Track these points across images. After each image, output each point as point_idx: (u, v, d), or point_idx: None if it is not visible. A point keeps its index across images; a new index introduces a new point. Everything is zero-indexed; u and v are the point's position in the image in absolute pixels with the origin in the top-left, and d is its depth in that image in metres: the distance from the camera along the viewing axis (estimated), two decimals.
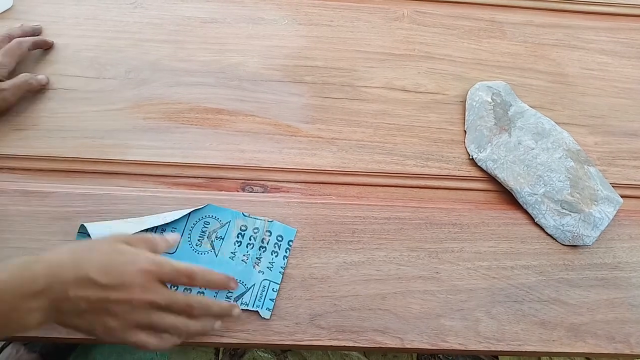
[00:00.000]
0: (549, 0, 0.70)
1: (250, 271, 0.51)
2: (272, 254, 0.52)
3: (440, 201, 0.57)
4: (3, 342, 0.84)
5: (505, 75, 0.64)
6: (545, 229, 0.55)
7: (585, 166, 0.57)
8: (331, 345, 0.49)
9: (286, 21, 0.65)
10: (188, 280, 0.41)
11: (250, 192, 0.55)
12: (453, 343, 0.50)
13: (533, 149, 0.57)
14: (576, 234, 0.54)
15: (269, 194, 0.55)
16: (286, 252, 0.52)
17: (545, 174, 0.56)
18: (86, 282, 0.37)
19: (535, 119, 0.59)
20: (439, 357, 0.99)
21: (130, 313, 0.38)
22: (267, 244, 0.52)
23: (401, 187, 0.57)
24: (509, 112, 0.60)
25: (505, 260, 0.54)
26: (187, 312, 0.41)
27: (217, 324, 0.44)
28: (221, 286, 0.44)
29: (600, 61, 0.66)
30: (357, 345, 0.49)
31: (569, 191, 0.55)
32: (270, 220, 0.53)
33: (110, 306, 0.38)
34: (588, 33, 0.68)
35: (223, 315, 0.44)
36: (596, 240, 0.55)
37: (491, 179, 0.58)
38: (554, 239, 0.55)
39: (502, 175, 0.56)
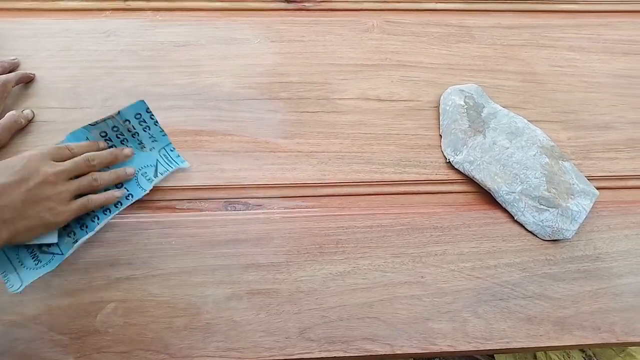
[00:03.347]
0: (515, 1, 0.72)
1: (145, 155, 0.56)
2: (144, 131, 0.55)
3: (420, 206, 0.58)
4: None
5: (476, 78, 0.65)
6: (525, 226, 0.56)
7: (560, 161, 0.58)
8: (322, 357, 0.49)
9: (258, 40, 0.66)
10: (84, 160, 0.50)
11: (233, 210, 0.56)
12: (442, 345, 0.51)
13: (508, 148, 0.58)
14: (556, 229, 0.55)
15: (251, 211, 0.56)
16: (152, 118, 0.55)
17: (521, 172, 0.57)
18: (3, 189, 0.43)
19: (509, 118, 0.61)
20: None
21: (55, 189, 0.46)
22: (134, 128, 0.55)
23: (381, 194, 0.58)
24: (482, 114, 0.61)
25: (488, 260, 0.55)
26: (90, 164, 0.50)
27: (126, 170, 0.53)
28: (118, 157, 0.53)
29: (568, 58, 0.68)
30: (347, 355, 0.50)
31: (546, 187, 0.56)
32: (116, 112, 0.53)
33: (36, 193, 0.45)
34: (555, 31, 0.70)
35: (119, 157, 0.53)
36: (576, 233, 0.56)
37: (469, 180, 0.59)
38: (535, 235, 0.56)
39: (479, 176, 0.57)
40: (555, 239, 0.56)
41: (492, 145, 0.59)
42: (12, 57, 0.62)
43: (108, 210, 0.52)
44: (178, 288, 0.52)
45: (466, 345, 0.51)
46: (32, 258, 0.49)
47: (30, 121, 0.59)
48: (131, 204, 0.54)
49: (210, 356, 0.49)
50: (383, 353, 0.50)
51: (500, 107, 0.62)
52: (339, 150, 0.60)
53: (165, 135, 0.56)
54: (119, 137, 0.55)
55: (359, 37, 0.67)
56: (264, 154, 0.59)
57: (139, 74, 0.62)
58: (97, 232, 0.52)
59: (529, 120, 0.61)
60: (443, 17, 0.70)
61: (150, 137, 0.56)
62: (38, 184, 0.45)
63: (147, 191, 0.55)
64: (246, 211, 0.56)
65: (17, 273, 0.48)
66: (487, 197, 0.58)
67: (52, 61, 0.63)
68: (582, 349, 0.67)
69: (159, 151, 0.56)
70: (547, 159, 0.58)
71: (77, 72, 0.62)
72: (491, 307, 0.52)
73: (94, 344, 0.49)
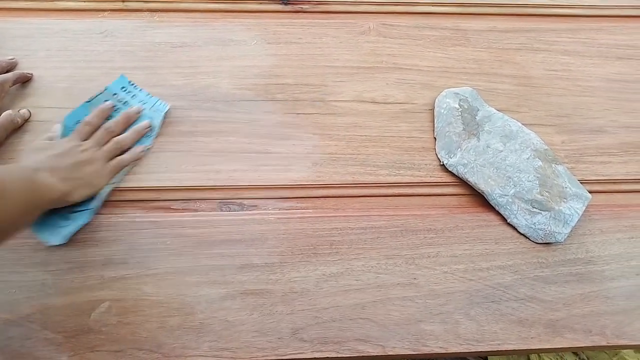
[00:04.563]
0: (510, 5, 0.72)
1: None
2: (133, 98, 0.61)
3: (414, 208, 0.58)
4: None
5: (471, 81, 0.65)
6: (518, 229, 0.57)
7: (553, 165, 0.58)
8: (314, 358, 0.50)
9: (255, 41, 0.66)
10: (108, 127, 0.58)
11: (228, 211, 0.56)
12: (434, 347, 0.51)
13: (501, 151, 0.59)
14: (548, 232, 0.56)
15: (246, 212, 0.56)
16: (135, 87, 0.61)
17: (514, 175, 0.57)
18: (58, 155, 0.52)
19: (503, 122, 0.61)
20: None
21: (93, 157, 0.54)
22: (124, 98, 0.61)
23: (376, 196, 0.58)
24: (476, 117, 0.61)
25: (480, 262, 0.55)
26: (110, 132, 0.58)
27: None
28: (131, 116, 0.59)
29: (563, 62, 0.68)
30: (340, 355, 0.50)
31: (538, 190, 0.57)
32: (103, 89, 0.60)
33: (82, 159, 0.53)
34: (550, 35, 0.70)
35: (131, 116, 0.59)
36: (568, 236, 0.56)
37: (463, 183, 0.59)
38: (527, 237, 0.56)
39: (473, 178, 0.58)
40: (547, 242, 0.56)
41: (486, 148, 0.59)
42: (10, 57, 0.62)
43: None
44: (172, 288, 0.52)
45: (458, 347, 0.51)
46: (65, 219, 0.53)
47: (26, 120, 0.59)
48: (126, 203, 0.55)
49: (203, 356, 0.49)
50: (375, 354, 0.50)
51: (495, 111, 0.62)
52: (334, 152, 0.60)
53: (151, 96, 0.61)
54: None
55: (355, 40, 0.67)
56: (260, 155, 0.59)
57: (135, 75, 0.63)
58: (98, 230, 0.52)
59: (523, 124, 0.61)
60: (439, 21, 0.70)
61: (140, 102, 0.61)
62: (79, 152, 0.53)
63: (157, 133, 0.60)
64: (241, 212, 0.56)
65: (53, 228, 0.52)
66: (481, 200, 0.58)
67: (50, 61, 0.63)
68: (574, 351, 0.67)
69: (150, 109, 0.61)
70: (540, 163, 0.58)
71: (74, 72, 0.62)
72: (483, 309, 0.53)
73: (88, 343, 0.49)
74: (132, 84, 0.61)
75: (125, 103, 0.61)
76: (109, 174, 0.55)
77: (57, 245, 0.52)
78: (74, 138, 0.55)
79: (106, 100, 0.60)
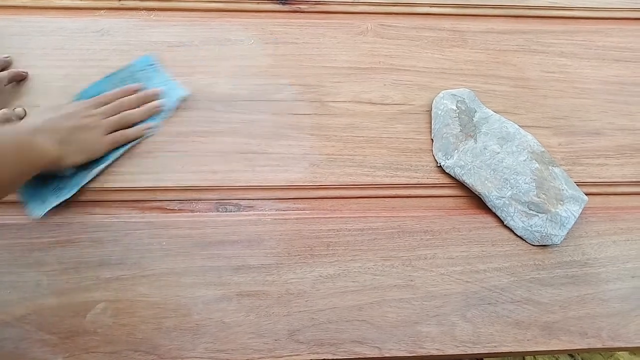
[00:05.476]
0: (508, 7, 0.72)
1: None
2: (151, 80, 0.62)
3: (411, 209, 0.58)
4: None
5: (469, 83, 0.65)
6: (515, 231, 0.57)
7: (550, 167, 0.58)
8: None
9: (252, 41, 0.66)
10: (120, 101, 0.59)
11: (224, 211, 0.56)
12: (430, 349, 0.51)
13: (498, 153, 0.59)
14: (544, 234, 0.56)
15: (242, 213, 0.56)
16: (158, 68, 0.62)
17: (511, 177, 0.57)
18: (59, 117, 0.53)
19: (500, 123, 0.61)
20: None
21: (95, 124, 0.55)
22: (145, 77, 0.62)
23: (373, 197, 0.58)
24: (473, 119, 0.61)
25: (477, 264, 0.55)
26: (122, 106, 0.58)
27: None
28: (148, 97, 0.60)
29: (560, 64, 0.68)
30: (336, 357, 0.50)
31: (535, 192, 0.57)
32: (128, 64, 0.62)
33: (83, 124, 0.54)
34: (547, 37, 0.70)
35: (148, 97, 0.60)
36: (564, 238, 0.56)
37: (460, 184, 0.59)
38: (524, 240, 0.57)
39: (469, 180, 0.58)
40: (544, 244, 0.56)
41: (483, 150, 0.59)
42: (5, 55, 0.62)
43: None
44: (168, 289, 0.52)
45: (454, 349, 0.51)
46: (54, 189, 0.54)
47: (22, 119, 0.58)
48: (122, 203, 0.55)
49: (199, 357, 0.49)
50: (372, 356, 0.50)
51: (492, 112, 0.62)
52: (331, 152, 0.60)
53: (172, 79, 0.62)
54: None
55: (353, 40, 0.67)
56: (256, 156, 0.59)
57: None
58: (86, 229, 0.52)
59: (520, 126, 0.61)
60: (437, 22, 0.70)
61: (159, 83, 0.61)
62: (83, 117, 0.54)
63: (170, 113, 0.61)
64: (237, 212, 0.56)
65: (39, 199, 0.54)
66: (477, 202, 0.58)
67: (45, 59, 0.62)
68: (570, 353, 0.67)
69: (168, 91, 0.61)
70: (537, 165, 0.58)
71: (70, 71, 0.62)
72: (479, 311, 0.53)
73: (83, 344, 0.49)
74: (155, 65, 0.62)
75: (144, 83, 0.61)
76: (108, 145, 0.56)
77: (38, 218, 0.53)
78: (83, 104, 0.56)
79: (125, 78, 0.61)
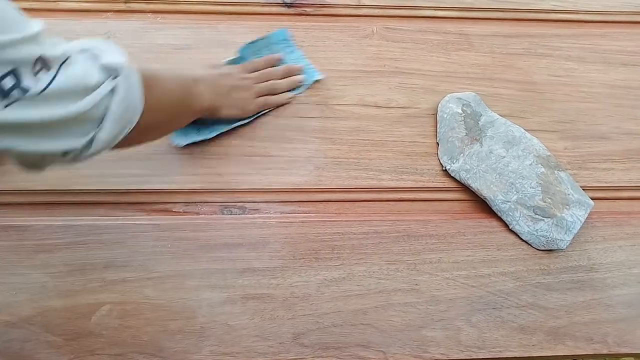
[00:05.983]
0: (514, 10, 0.72)
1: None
2: (286, 55, 0.65)
3: (416, 213, 0.58)
4: None
5: (474, 86, 0.65)
6: (520, 235, 0.56)
7: (556, 171, 0.58)
8: None
9: None
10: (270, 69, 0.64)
11: (230, 214, 0.56)
12: (435, 353, 0.51)
13: (504, 157, 0.59)
14: (550, 239, 0.55)
15: (248, 216, 0.56)
16: (292, 45, 0.66)
17: (517, 181, 0.57)
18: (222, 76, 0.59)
19: (506, 127, 0.61)
20: None
21: (248, 86, 0.60)
22: (278, 51, 0.65)
23: (378, 201, 0.58)
24: (479, 122, 0.61)
25: (482, 269, 0.55)
26: (269, 75, 0.63)
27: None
28: (292, 70, 0.64)
29: (566, 67, 0.68)
30: None
31: (541, 197, 0.56)
32: (264, 36, 0.65)
33: (239, 85, 0.59)
34: (554, 41, 0.70)
35: (292, 70, 0.64)
36: (570, 243, 0.56)
37: (465, 188, 0.59)
38: (529, 244, 0.56)
39: (475, 184, 0.58)
40: (549, 249, 0.56)
41: (488, 154, 0.59)
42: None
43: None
44: (173, 291, 0.52)
45: (459, 354, 0.51)
46: (196, 127, 0.58)
47: None
48: (128, 205, 0.54)
49: None
50: None
51: (498, 116, 0.62)
52: (336, 156, 0.60)
53: (305, 58, 0.65)
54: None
55: (359, 43, 0.67)
56: (262, 159, 0.59)
57: None
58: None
59: (526, 130, 0.61)
60: (442, 25, 0.70)
61: (295, 59, 0.65)
62: (239, 79, 0.60)
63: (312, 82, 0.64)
64: (242, 215, 0.56)
65: (182, 134, 0.57)
66: (483, 206, 0.58)
67: None
68: (575, 359, 0.67)
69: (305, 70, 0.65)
70: (543, 169, 0.58)
71: None
72: (484, 316, 0.53)
73: (89, 346, 0.49)
74: (291, 40, 0.66)
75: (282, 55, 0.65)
76: (256, 107, 0.61)
77: (180, 146, 0.58)
78: (239, 68, 0.62)
79: (262, 47, 0.65)
